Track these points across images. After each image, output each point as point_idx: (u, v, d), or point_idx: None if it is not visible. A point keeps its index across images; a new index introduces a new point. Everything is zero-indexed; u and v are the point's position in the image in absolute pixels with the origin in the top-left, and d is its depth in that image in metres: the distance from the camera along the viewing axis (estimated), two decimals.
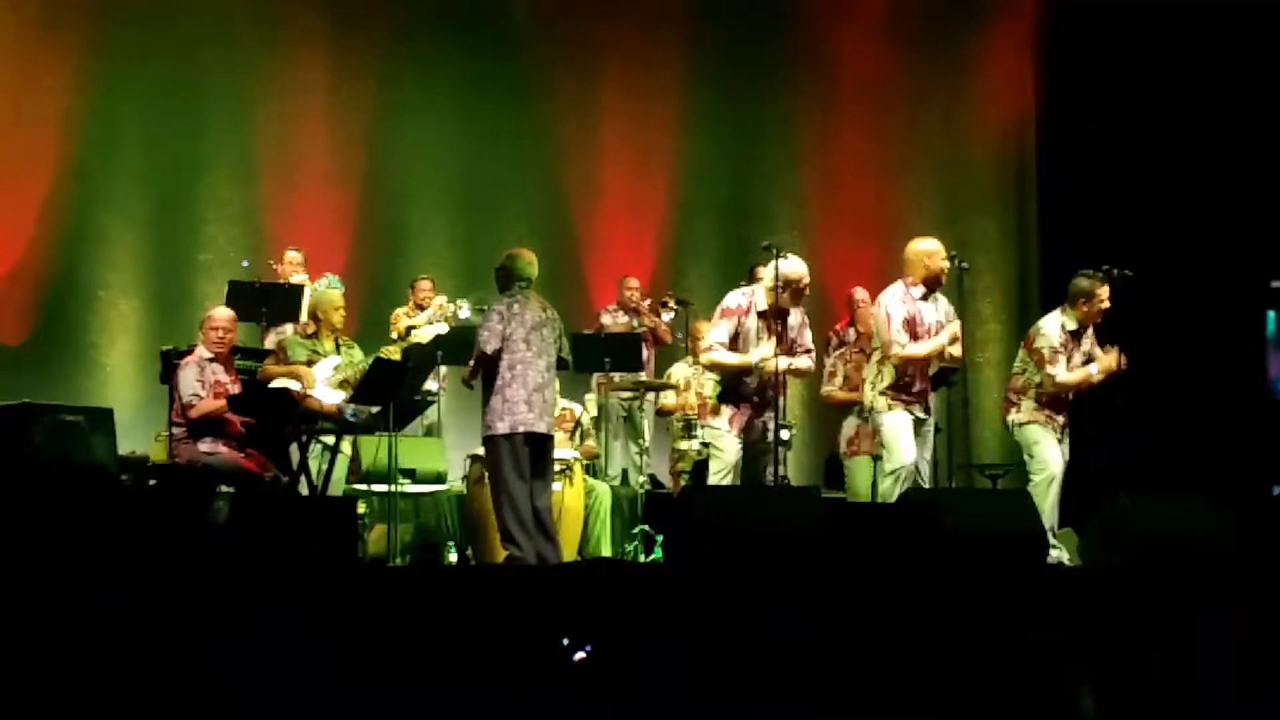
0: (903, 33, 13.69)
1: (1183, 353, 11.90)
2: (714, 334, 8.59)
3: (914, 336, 8.58)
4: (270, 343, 10.48)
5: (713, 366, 8.64)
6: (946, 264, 8.72)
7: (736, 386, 8.54)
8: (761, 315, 8.53)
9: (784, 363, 8.45)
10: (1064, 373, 8.95)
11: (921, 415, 8.63)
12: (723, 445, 8.51)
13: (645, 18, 13.31)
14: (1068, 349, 9.01)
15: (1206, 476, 9.91)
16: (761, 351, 8.45)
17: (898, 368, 8.59)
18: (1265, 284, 13.19)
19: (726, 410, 8.52)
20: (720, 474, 8.48)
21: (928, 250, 8.71)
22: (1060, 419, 9.01)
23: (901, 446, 8.52)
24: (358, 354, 9.19)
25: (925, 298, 8.67)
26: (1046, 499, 8.73)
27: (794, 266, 8.49)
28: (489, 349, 8.40)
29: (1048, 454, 8.91)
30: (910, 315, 8.61)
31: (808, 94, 13.69)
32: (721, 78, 13.53)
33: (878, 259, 12.06)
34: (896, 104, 13.74)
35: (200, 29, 12.35)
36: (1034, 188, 13.70)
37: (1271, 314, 13.79)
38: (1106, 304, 8.99)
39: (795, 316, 8.64)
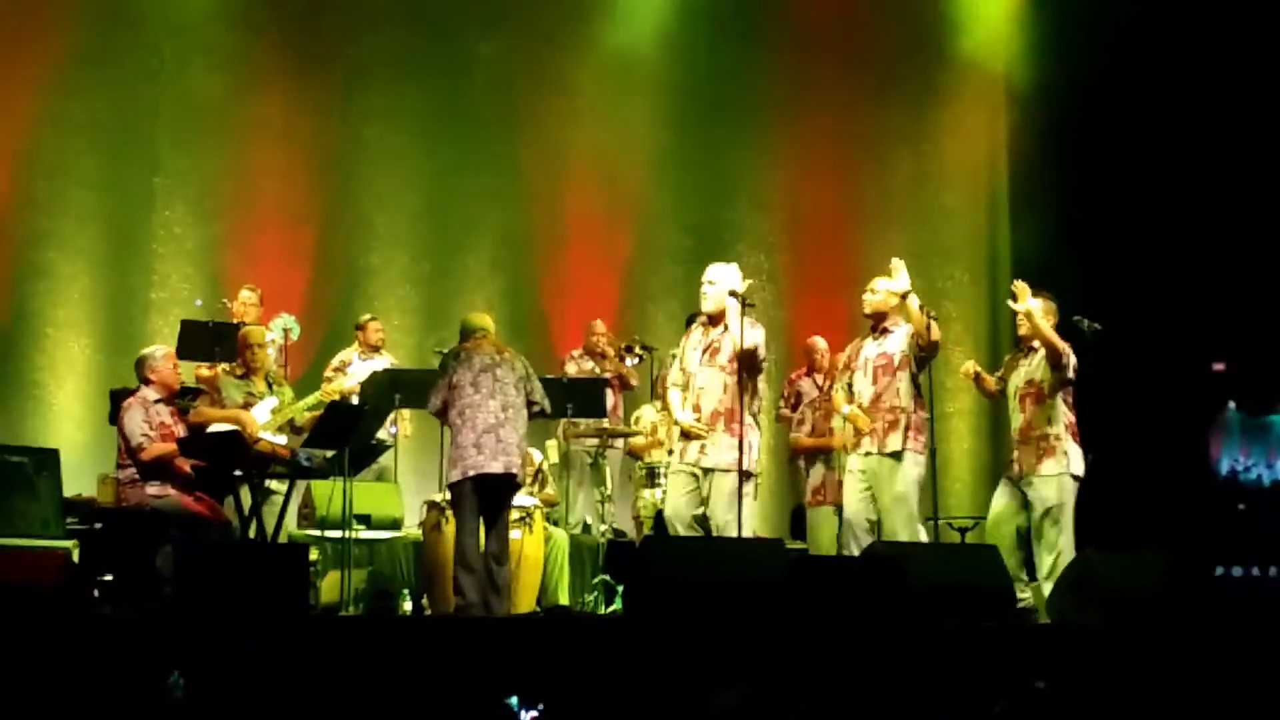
0: (872, 78, 13.56)
1: (1135, 420, 11.77)
2: (671, 374, 8.66)
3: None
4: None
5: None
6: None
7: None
8: (703, 323, 8.52)
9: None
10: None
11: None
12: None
13: (613, 57, 13.14)
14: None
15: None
16: (683, 416, 8.34)
17: None
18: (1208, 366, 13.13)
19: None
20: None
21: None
22: (1016, 454, 8.82)
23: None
24: (288, 393, 8.91)
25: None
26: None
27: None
28: (432, 410, 8.47)
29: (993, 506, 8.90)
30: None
31: (777, 139, 13.59)
32: (690, 120, 13.38)
33: (846, 307, 11.90)
34: (866, 150, 13.64)
35: (155, 64, 12.15)
36: (1005, 233, 13.57)
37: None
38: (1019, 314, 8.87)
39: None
